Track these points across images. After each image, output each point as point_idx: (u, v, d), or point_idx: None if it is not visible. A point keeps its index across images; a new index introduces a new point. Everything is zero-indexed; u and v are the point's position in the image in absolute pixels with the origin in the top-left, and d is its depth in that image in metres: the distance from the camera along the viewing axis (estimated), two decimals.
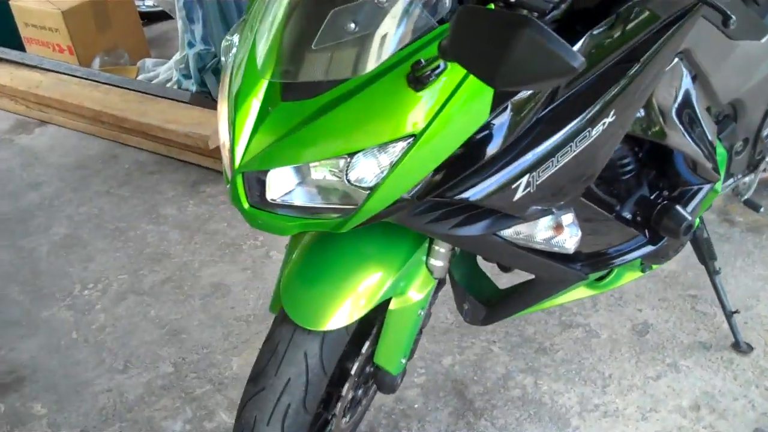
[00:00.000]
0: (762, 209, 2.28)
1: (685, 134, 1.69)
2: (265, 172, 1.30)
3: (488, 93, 1.25)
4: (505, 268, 1.88)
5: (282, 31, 1.31)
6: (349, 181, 1.26)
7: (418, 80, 1.20)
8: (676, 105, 1.67)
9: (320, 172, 1.30)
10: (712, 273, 2.21)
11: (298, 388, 1.48)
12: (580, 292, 1.90)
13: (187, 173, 3.42)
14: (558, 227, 1.56)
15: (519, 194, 1.38)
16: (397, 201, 1.30)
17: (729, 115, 2.00)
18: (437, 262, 1.57)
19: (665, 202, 1.76)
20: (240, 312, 2.55)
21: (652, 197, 1.80)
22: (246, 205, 1.33)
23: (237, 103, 1.33)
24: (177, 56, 4.11)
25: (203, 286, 2.70)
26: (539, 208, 1.45)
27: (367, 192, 1.27)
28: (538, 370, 2.23)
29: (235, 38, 1.49)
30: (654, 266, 1.98)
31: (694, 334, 2.32)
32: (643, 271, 1.96)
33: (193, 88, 3.91)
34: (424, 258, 1.57)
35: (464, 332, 2.36)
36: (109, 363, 2.37)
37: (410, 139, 1.22)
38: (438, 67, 1.19)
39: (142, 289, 2.70)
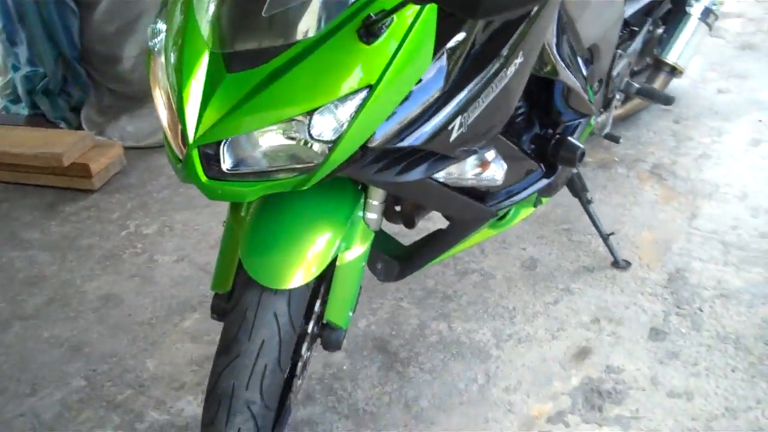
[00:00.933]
0: (621, 140, 2.53)
1: (568, 71, 1.88)
2: (218, 144, 1.34)
3: (430, 40, 1.37)
4: (410, 224, 1.98)
5: (227, 3, 1.35)
6: (311, 136, 1.32)
7: (370, 34, 1.29)
8: (559, 46, 1.86)
9: (275, 135, 1.35)
10: (585, 203, 2.43)
11: (273, 348, 1.51)
12: (484, 234, 2.04)
13: (40, 196, 3.26)
14: (484, 164, 1.71)
15: (454, 135, 1.51)
16: (357, 151, 1.38)
17: (587, 59, 2.23)
18: (372, 215, 1.66)
19: (557, 135, 1.96)
20: (140, 317, 2.49)
21: (542, 134, 1.99)
22: (204, 179, 1.36)
23: (181, 81, 1.35)
24: None
25: (92, 300, 2.60)
26: (467, 148, 1.59)
27: (330, 146, 1.33)
28: (448, 315, 2.36)
29: (160, 25, 1.50)
30: (544, 200, 2.16)
31: (576, 261, 2.53)
32: (535, 206, 2.13)
33: (25, 112, 3.75)
34: (361, 213, 1.65)
35: (371, 295, 2.45)
36: (14, 389, 2.24)
37: (366, 90, 1.31)
38: (388, 20, 1.28)
39: (26, 313, 2.56)
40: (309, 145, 1.35)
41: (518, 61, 1.59)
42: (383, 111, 1.36)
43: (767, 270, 2.36)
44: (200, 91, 1.34)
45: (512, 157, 1.79)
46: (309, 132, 1.32)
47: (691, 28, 2.60)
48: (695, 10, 2.59)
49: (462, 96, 1.50)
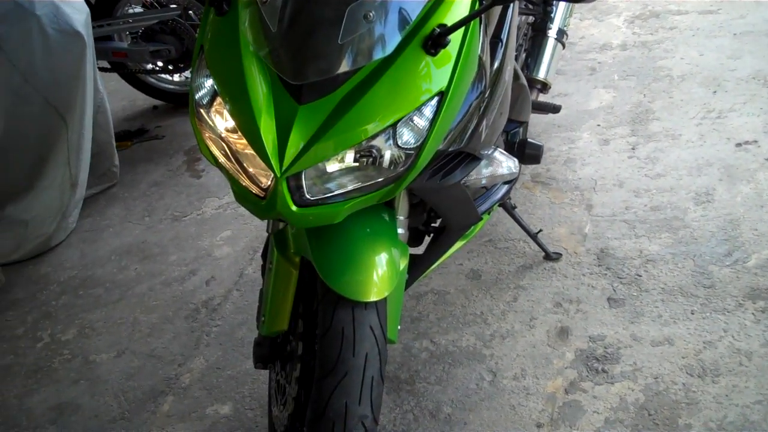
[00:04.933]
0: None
1: (525, 81, 2.13)
2: (298, 175, 1.40)
3: (478, 43, 1.53)
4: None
5: (295, 36, 1.42)
6: (398, 146, 1.43)
7: (438, 45, 1.43)
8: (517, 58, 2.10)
9: (353, 154, 1.43)
10: (510, 209, 2.65)
11: (375, 360, 1.55)
12: (456, 245, 2.18)
13: None
14: (493, 161, 1.87)
15: (483, 136, 1.68)
16: (435, 155, 1.51)
17: None
18: (401, 230, 1.76)
19: (517, 138, 2.19)
20: (109, 416, 2.35)
21: (504, 138, 2.21)
22: (295, 208, 1.41)
23: (254, 119, 1.40)
24: None
25: (43, 413, 2.41)
26: (488, 149, 1.77)
27: (414, 152, 1.45)
28: (426, 333, 2.45)
29: (202, 78, 1.52)
30: (495, 208, 2.34)
31: (512, 263, 2.73)
32: (489, 213, 2.31)
33: None
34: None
35: None
36: None
37: (439, 96, 1.44)
38: (451, 30, 1.43)
39: None
40: (388, 157, 1.44)
41: (508, 68, 1.81)
42: (453, 113, 1.51)
43: (672, 233, 2.70)
44: (272, 127, 1.40)
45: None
46: (396, 143, 1.42)
47: (551, 47, 2.95)
48: (551, 32, 2.95)
49: (486, 99, 1.67)
